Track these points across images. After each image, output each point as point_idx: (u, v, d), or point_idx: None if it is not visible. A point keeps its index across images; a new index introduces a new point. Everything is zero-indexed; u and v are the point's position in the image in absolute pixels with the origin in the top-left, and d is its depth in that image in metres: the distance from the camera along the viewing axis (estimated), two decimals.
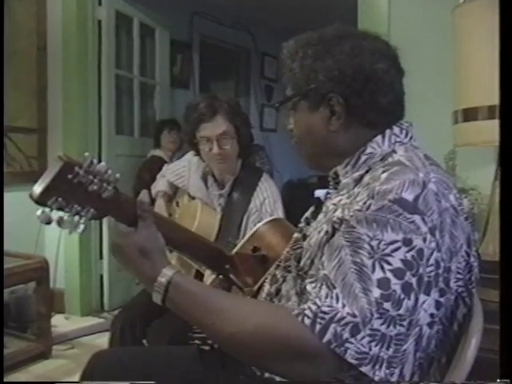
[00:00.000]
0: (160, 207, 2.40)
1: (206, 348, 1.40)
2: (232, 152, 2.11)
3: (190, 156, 2.32)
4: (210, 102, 2.08)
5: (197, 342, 1.44)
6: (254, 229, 1.52)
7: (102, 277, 3.78)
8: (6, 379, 2.54)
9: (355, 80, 1.06)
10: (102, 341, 2.16)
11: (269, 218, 1.58)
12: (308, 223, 1.23)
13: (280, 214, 2.08)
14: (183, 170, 2.32)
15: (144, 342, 2.09)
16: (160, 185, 2.44)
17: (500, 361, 0.98)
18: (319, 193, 1.28)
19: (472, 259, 0.99)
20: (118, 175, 1.00)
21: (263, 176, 2.19)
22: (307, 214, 1.28)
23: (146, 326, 2.04)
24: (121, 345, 2.04)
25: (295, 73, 1.12)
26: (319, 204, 1.22)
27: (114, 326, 2.12)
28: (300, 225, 1.27)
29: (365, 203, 0.93)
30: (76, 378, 1.38)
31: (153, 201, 2.46)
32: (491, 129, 1.68)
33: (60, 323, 3.40)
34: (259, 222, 2.00)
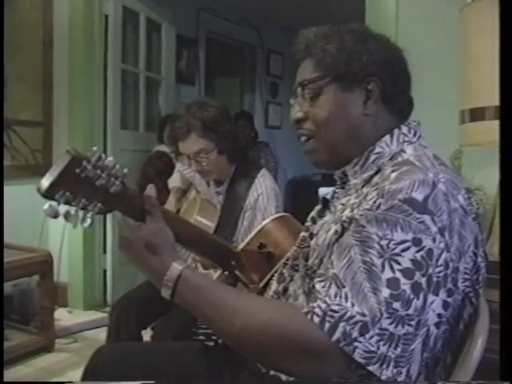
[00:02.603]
0: (170, 203, 2.42)
1: (211, 344, 1.40)
2: (213, 166, 2.08)
3: None
4: (184, 119, 2.05)
5: (201, 337, 1.44)
6: (261, 225, 1.51)
7: (105, 271, 3.79)
8: (8, 372, 2.55)
9: (395, 67, 1.10)
10: (105, 335, 2.16)
11: (275, 215, 1.57)
12: (314, 222, 1.22)
13: (272, 210, 2.05)
14: None
15: (142, 332, 2.13)
16: (173, 180, 2.45)
17: (500, 362, 0.98)
18: (323, 190, 1.28)
19: (479, 259, 0.99)
20: (125, 170, 1.00)
21: (260, 172, 2.14)
22: (313, 213, 1.27)
23: (141, 317, 2.08)
24: (116, 333, 2.07)
25: (331, 53, 1.08)
26: (326, 203, 1.21)
27: (111, 315, 2.15)
28: (306, 224, 1.27)
29: (374, 202, 0.93)
30: (78, 372, 1.38)
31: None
32: (498, 129, 1.67)
33: (63, 317, 3.41)
34: (253, 218, 2.05)
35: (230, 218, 2.10)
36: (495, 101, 1.73)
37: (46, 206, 0.94)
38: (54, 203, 0.93)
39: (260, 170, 2.16)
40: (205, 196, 2.25)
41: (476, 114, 1.87)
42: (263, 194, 2.08)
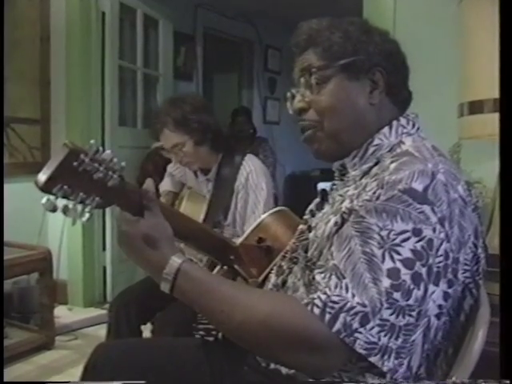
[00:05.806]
0: None
1: (210, 339, 1.40)
2: (191, 157, 2.19)
3: None
4: (158, 116, 2.20)
5: (201, 333, 1.44)
6: (259, 220, 1.51)
7: (104, 268, 3.78)
8: (8, 369, 2.55)
9: (397, 59, 1.12)
10: (105, 332, 2.16)
11: (274, 209, 1.57)
12: (313, 215, 1.22)
13: (263, 186, 2.15)
14: None
15: (141, 327, 2.13)
16: (164, 184, 2.49)
17: (500, 359, 0.97)
18: (322, 185, 1.27)
19: (479, 250, 0.99)
20: (123, 164, 0.99)
21: (247, 156, 2.24)
22: (312, 205, 1.27)
23: (141, 312, 2.09)
24: (116, 329, 2.08)
25: (338, 43, 1.09)
26: (324, 195, 1.21)
27: (110, 311, 2.16)
28: (305, 217, 1.26)
29: (374, 193, 0.92)
30: (79, 369, 1.37)
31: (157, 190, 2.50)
32: (497, 122, 1.67)
33: (63, 314, 3.41)
34: (246, 197, 2.14)
35: (221, 202, 2.18)
36: (494, 94, 1.73)
37: (43, 200, 0.93)
38: (51, 197, 0.92)
39: (246, 154, 2.25)
40: (195, 188, 2.33)
41: (475, 107, 1.87)
42: (252, 171, 2.17)
